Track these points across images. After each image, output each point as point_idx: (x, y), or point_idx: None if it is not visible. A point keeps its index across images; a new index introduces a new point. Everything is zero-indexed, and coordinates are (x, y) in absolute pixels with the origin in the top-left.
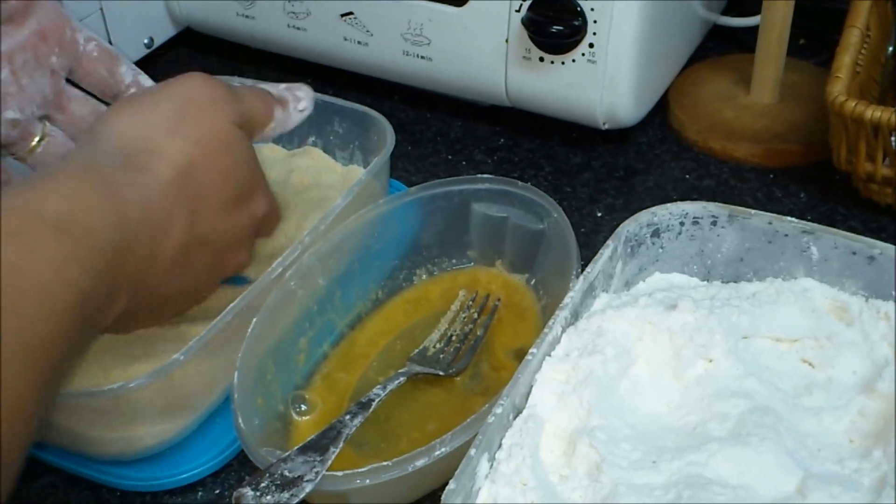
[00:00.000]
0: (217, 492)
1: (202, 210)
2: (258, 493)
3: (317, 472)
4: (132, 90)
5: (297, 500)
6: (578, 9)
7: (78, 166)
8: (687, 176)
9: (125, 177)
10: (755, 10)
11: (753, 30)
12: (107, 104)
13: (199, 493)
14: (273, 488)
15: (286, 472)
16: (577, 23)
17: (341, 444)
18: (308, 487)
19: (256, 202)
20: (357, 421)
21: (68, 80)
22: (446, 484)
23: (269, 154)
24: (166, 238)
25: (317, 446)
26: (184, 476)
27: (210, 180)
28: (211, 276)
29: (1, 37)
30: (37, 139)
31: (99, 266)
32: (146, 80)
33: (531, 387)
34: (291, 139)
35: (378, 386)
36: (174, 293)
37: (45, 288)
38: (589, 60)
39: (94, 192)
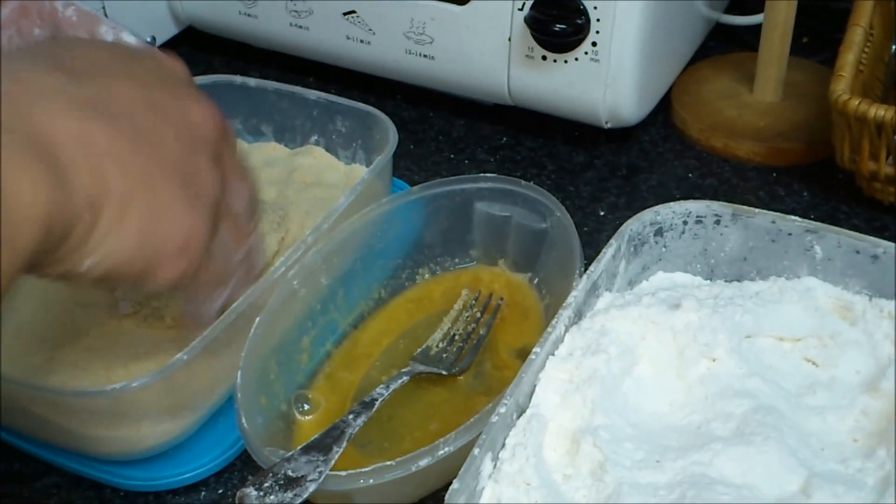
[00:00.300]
0: (220, 491)
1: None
2: (262, 493)
3: (320, 472)
4: None
5: (300, 499)
6: (581, 7)
7: (58, 80)
8: (690, 174)
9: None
10: (758, 8)
11: (756, 28)
12: None
13: (203, 493)
14: (276, 488)
15: (289, 472)
16: (579, 21)
17: (345, 444)
18: (311, 487)
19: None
20: (360, 420)
21: None
22: (450, 483)
23: (272, 153)
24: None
25: (320, 446)
26: (187, 476)
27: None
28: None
29: None
30: None
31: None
32: (128, 37)
33: (535, 386)
34: (294, 138)
35: (381, 385)
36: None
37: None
38: (592, 59)
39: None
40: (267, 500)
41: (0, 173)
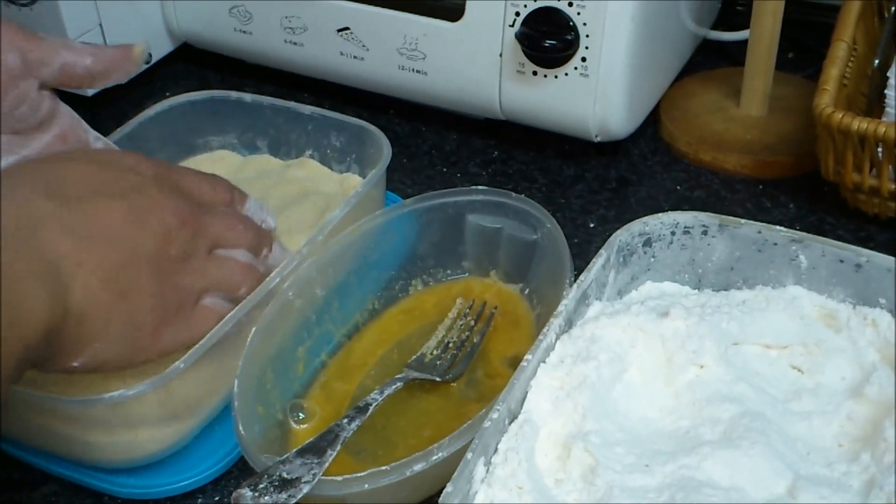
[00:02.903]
0: (217, 498)
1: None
2: (256, 494)
3: (314, 474)
4: None
5: (294, 500)
6: (571, 23)
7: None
8: (678, 187)
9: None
10: (744, 24)
11: (743, 44)
12: None
13: (200, 500)
14: (271, 489)
15: (284, 474)
16: (569, 37)
17: (339, 447)
18: (305, 489)
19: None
20: (354, 425)
21: None
22: (443, 489)
23: (265, 165)
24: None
25: (315, 449)
26: (184, 483)
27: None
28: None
29: (31, 142)
30: None
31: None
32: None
33: (526, 392)
34: (289, 152)
35: (375, 391)
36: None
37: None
38: (581, 74)
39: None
40: (262, 500)
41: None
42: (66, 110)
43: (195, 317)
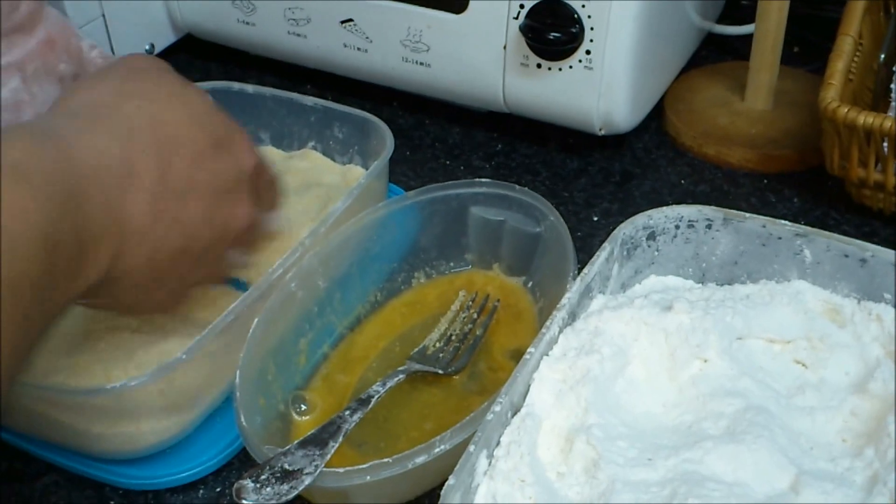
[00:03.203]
0: (218, 490)
1: (171, 158)
2: (258, 485)
3: (316, 466)
4: None
5: (295, 492)
6: (575, 16)
7: (34, 126)
8: (682, 181)
9: (79, 133)
10: (749, 18)
11: (748, 38)
12: None
13: (201, 491)
14: (273, 480)
15: (286, 465)
16: (574, 30)
17: (340, 439)
18: (307, 480)
19: (240, 152)
20: (356, 417)
21: None
22: (445, 481)
23: (268, 156)
24: (132, 187)
25: (316, 440)
26: (185, 474)
27: (173, 131)
28: (211, 230)
29: (12, 46)
30: None
31: (58, 210)
32: None
33: (529, 385)
34: (292, 144)
35: (378, 382)
36: (171, 252)
37: (7, 231)
38: (586, 67)
39: (47, 143)
40: (263, 491)
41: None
42: (53, 14)
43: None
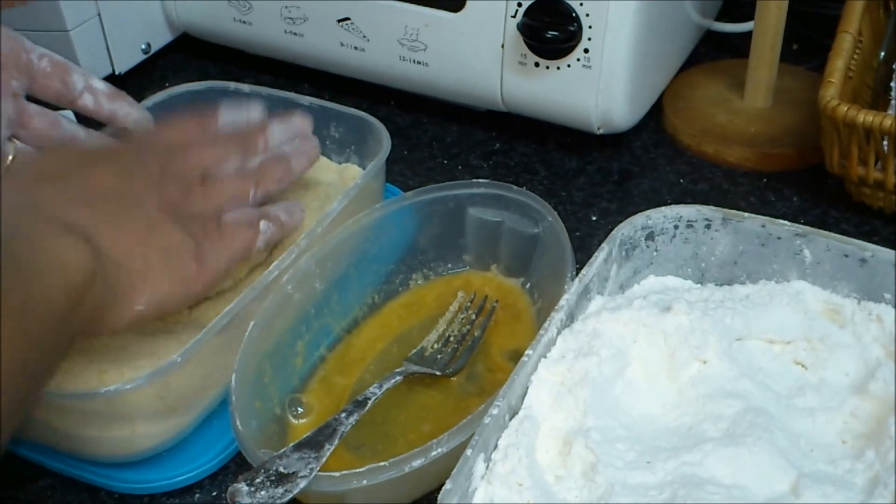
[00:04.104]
0: (214, 494)
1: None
2: (253, 489)
3: (311, 469)
4: (85, 95)
5: (290, 495)
6: (573, 14)
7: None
8: (681, 180)
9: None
10: (748, 15)
11: (747, 35)
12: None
13: (197, 495)
14: (268, 484)
15: (281, 469)
16: (572, 28)
17: (336, 442)
18: (302, 483)
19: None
20: (353, 419)
21: (27, 97)
22: (443, 485)
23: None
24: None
25: (312, 443)
26: (181, 478)
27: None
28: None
29: None
30: (10, 158)
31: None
32: (97, 83)
33: (527, 388)
34: None
35: (375, 384)
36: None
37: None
38: (584, 65)
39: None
40: (258, 495)
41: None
42: (3, 31)
43: (225, 235)
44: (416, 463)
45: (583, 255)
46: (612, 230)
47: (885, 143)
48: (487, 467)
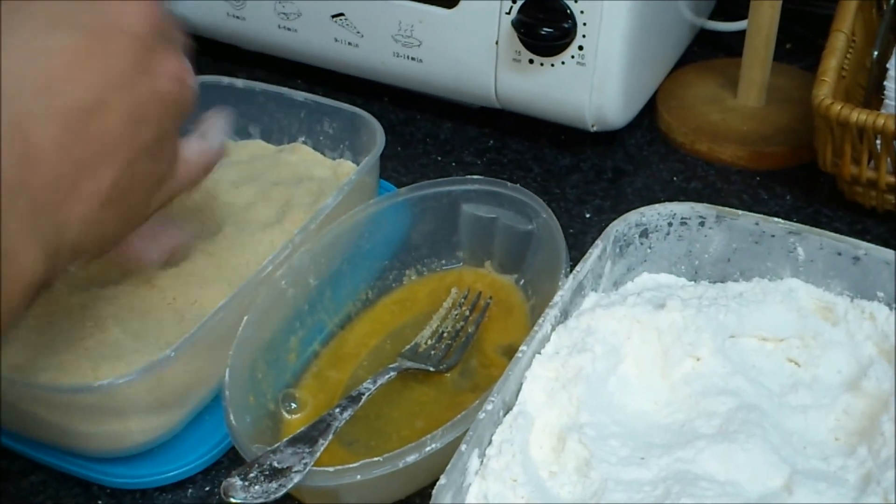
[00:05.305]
0: (207, 489)
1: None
2: (246, 483)
3: (305, 464)
4: None
5: (284, 490)
6: (568, 11)
7: None
8: (674, 178)
9: None
10: (742, 14)
11: (740, 34)
12: None
13: (190, 491)
14: (261, 478)
15: (275, 463)
16: (566, 25)
17: (330, 437)
18: (296, 478)
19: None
20: (347, 414)
21: None
22: (437, 480)
23: (256, 151)
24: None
25: (306, 438)
26: (174, 473)
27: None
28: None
29: None
30: None
31: None
32: None
33: (521, 384)
34: (281, 139)
35: (368, 380)
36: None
37: None
38: (578, 63)
39: None
40: (252, 489)
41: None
42: None
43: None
44: (411, 458)
45: (576, 253)
46: (605, 228)
47: (877, 141)
48: (481, 463)
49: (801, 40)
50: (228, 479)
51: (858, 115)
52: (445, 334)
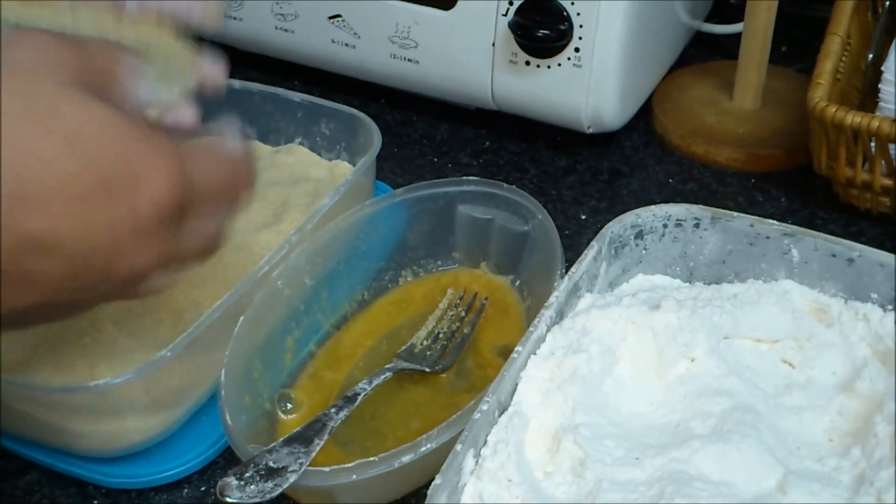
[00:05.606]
0: (203, 489)
1: (24, 208)
2: (242, 483)
3: (301, 464)
4: None
5: (280, 489)
6: (565, 13)
7: None
8: (670, 180)
9: None
10: (738, 17)
11: (736, 37)
12: None
13: (185, 490)
14: (257, 478)
15: (271, 463)
16: (563, 27)
17: (326, 437)
18: (292, 478)
19: (144, 186)
20: (342, 414)
21: None
22: (432, 480)
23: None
24: None
25: (301, 438)
26: (170, 473)
27: (29, 165)
28: (74, 292)
29: None
30: None
31: None
32: None
33: (517, 384)
34: (278, 140)
35: (364, 380)
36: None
37: None
38: (574, 65)
39: None
40: (247, 489)
41: None
42: None
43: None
44: (406, 458)
45: (572, 254)
46: (601, 229)
47: (872, 144)
48: (477, 463)
49: (796, 43)
50: (224, 478)
51: (853, 118)
52: (441, 335)
